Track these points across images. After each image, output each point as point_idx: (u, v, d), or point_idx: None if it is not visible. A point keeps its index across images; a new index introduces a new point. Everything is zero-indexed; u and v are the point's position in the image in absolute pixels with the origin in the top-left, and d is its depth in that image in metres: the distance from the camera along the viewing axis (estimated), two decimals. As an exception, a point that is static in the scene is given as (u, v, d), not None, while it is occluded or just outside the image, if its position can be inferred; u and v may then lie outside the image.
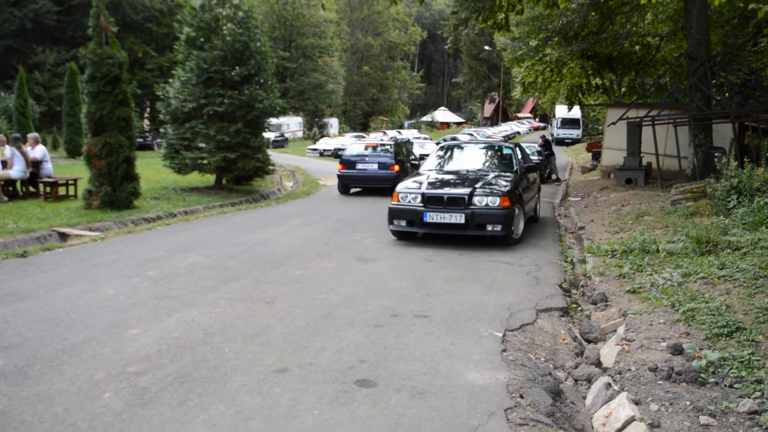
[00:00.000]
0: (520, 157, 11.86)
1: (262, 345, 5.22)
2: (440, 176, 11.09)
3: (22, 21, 48.77)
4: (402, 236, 10.76)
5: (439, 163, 12.11)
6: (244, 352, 5.05)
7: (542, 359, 5.26)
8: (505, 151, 12.16)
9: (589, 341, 5.99)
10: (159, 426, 3.80)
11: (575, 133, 52.04)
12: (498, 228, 9.67)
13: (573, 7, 20.57)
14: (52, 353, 5.00)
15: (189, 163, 17.14)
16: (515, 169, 11.41)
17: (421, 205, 10.03)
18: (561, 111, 50.25)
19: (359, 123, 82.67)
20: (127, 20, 48.72)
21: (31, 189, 15.37)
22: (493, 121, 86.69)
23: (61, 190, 15.23)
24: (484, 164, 11.83)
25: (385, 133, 54.50)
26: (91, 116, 13.20)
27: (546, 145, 25.46)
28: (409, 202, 10.14)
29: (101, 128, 13.19)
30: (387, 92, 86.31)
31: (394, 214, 10.31)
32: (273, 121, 20.32)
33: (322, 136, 56.22)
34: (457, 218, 9.74)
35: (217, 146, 16.98)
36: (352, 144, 21.10)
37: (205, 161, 17.18)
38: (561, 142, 50.61)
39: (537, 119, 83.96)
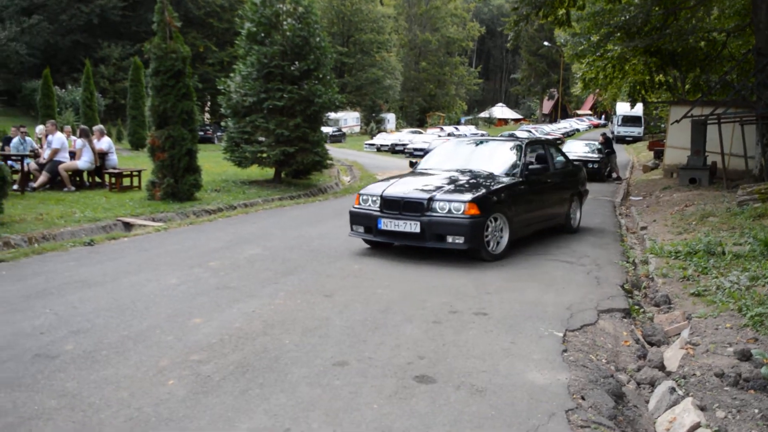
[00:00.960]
0: (525, 157, 9.81)
1: (322, 338, 5.26)
2: (419, 177, 9.61)
3: (89, 16, 50.17)
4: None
5: (435, 161, 10.54)
6: (303, 344, 5.10)
7: (604, 361, 5.17)
8: (510, 150, 10.27)
9: (651, 344, 5.87)
10: (221, 414, 3.86)
11: (636, 130, 51.01)
12: (460, 240, 8.16)
13: (636, 2, 20.14)
14: (118, 339, 5.13)
15: (249, 156, 17.37)
16: (515, 171, 9.54)
17: (378, 209, 8.73)
18: (622, 108, 49.32)
19: (416, 119, 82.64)
20: (190, 15, 49.61)
21: (97, 179, 15.79)
22: (551, 118, 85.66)
23: (126, 181, 15.60)
24: (483, 164, 9.90)
25: (442, 129, 54.39)
26: (155, 109, 13.48)
27: (607, 143, 25.04)
28: (369, 205, 8.88)
29: (165, 121, 13.46)
30: (444, 88, 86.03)
31: (353, 218, 9.08)
32: (331, 115, 20.46)
33: (379, 132, 56.32)
34: (412, 226, 8.32)
35: (277, 140, 17.16)
36: (434, 140, 23.89)
37: (264, 155, 17.38)
38: (622, 139, 49.65)
39: (600, 117, 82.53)
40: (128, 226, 11.17)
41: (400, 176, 9.95)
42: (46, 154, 14.95)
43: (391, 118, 68.97)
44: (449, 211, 8.19)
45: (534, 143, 11.04)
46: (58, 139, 14.80)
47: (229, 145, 17.74)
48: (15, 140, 15.76)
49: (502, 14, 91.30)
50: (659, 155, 27.18)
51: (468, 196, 8.30)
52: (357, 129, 65.34)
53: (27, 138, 16.00)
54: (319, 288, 6.86)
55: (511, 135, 44.16)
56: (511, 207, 8.82)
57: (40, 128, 17.92)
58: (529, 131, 51.75)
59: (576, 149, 25.39)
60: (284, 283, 7.05)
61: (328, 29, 61.82)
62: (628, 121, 51.26)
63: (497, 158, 10.08)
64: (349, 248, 9.20)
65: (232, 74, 17.96)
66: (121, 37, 52.02)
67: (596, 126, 73.29)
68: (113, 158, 15.97)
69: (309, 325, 5.58)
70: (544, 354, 5.03)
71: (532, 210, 9.60)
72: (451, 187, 8.77)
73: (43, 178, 14.53)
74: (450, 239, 8.20)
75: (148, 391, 4.16)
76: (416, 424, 3.78)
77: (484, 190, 8.55)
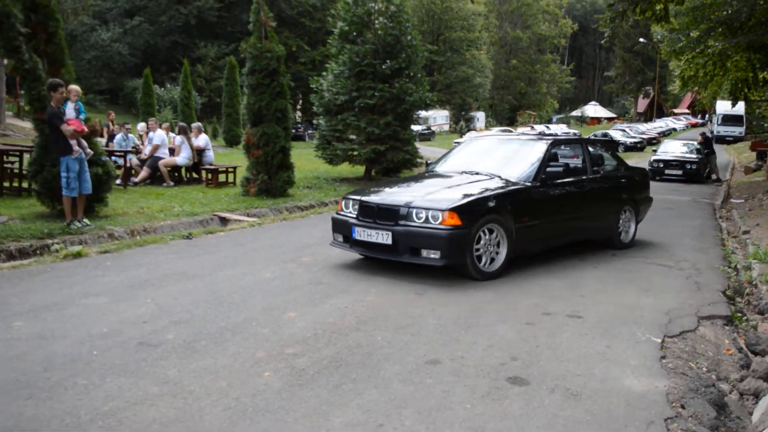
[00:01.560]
0: (545, 159, 8.31)
1: (414, 335, 5.28)
2: (419, 180, 8.75)
3: (186, 18, 51.95)
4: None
5: (449, 161, 9.32)
6: (395, 340, 5.13)
7: (704, 369, 4.98)
8: (530, 150, 8.72)
9: (756, 353, 5.62)
10: (316, 407, 3.92)
11: (737, 130, 48.97)
12: (435, 255, 6.94)
13: (740, -3, 19.29)
14: (216, 330, 5.29)
15: (340, 154, 17.59)
16: (529, 174, 8.11)
17: (354, 216, 7.75)
18: (722, 107, 47.41)
19: (506, 117, 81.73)
20: (282, 15, 50.61)
21: (194, 175, 16.32)
22: (646, 116, 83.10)
23: (221, 177, 16.05)
24: (497, 165, 8.49)
25: (532, 127, 53.58)
26: (250, 107, 13.82)
27: (706, 143, 24.14)
28: (350, 211, 7.89)
29: (259, 119, 13.78)
30: (535, 86, 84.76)
31: (334, 225, 8.14)
32: (421, 114, 20.49)
33: (469, 130, 55.96)
34: (384, 237, 7.23)
35: (368, 138, 17.30)
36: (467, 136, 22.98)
37: (355, 152, 17.55)
38: (721, 140, 47.76)
39: (698, 115, 79.55)
40: (224, 220, 11.50)
41: (406, 179, 9.46)
42: (147, 150, 15.56)
43: (480, 116, 68.46)
44: (426, 220, 7.00)
45: (562, 143, 10.04)
46: (159, 135, 15.38)
47: (321, 143, 18.01)
48: (118, 137, 16.47)
49: (596, 10, 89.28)
50: (762, 156, 25.98)
51: (447, 204, 7.04)
52: (446, 127, 65.15)
53: (129, 135, 16.70)
54: (411, 285, 6.88)
55: (605, 134, 43.13)
56: (516, 217, 7.51)
57: (141, 125, 18.65)
58: (623, 130, 50.34)
59: (673, 149, 24.58)
60: (375, 280, 7.10)
61: (419, 27, 61.85)
62: (729, 120, 49.26)
63: (514, 159, 8.60)
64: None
65: (324, 73, 18.23)
66: (217, 37, 53.60)
67: (694, 125, 70.76)
68: (210, 155, 16.47)
69: (401, 322, 5.61)
70: (641, 360, 4.89)
71: (553, 221, 8.19)
72: (437, 192, 7.58)
73: (144, 173, 15.13)
74: (424, 253, 7.02)
75: (246, 382, 4.27)
76: (510, 426, 3.75)
77: (472, 197, 7.25)
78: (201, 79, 49.24)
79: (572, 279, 7.48)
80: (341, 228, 7.89)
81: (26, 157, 12.28)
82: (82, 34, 48.43)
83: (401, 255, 7.17)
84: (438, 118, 63.56)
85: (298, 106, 54.97)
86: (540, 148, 8.59)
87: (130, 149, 15.69)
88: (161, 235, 9.79)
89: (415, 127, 21.91)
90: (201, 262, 7.90)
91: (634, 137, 45.33)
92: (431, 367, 4.59)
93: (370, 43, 17.49)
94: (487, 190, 7.57)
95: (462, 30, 70.07)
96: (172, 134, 17.12)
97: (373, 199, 7.63)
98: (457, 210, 6.96)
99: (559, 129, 53.20)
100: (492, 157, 8.86)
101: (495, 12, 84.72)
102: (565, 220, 8.49)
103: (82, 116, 9.96)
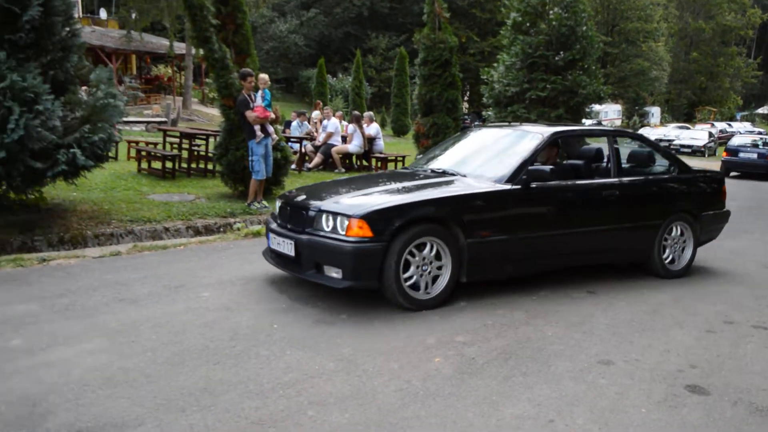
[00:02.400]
0: (532, 156, 6.36)
1: (585, 333, 5.16)
2: (379, 178, 7.24)
3: (359, 9, 53.36)
4: None
5: (432, 156, 7.61)
6: (566, 338, 5.04)
7: None
8: (519, 146, 6.69)
9: None
10: (485, 397, 3.95)
11: None
12: (337, 274, 5.43)
13: None
14: (387, 313, 5.43)
15: (508, 146, 17.40)
16: (506, 175, 6.17)
17: (273, 219, 6.55)
18: None
19: (683, 113, 77.38)
20: (453, 6, 50.58)
21: (365, 163, 16.76)
22: None
23: (390, 165, 16.36)
24: (476, 162, 6.82)
25: (712, 124, 50.50)
26: (421, 97, 14.03)
27: None
28: (277, 212, 6.60)
29: (430, 109, 13.96)
30: (717, 80, 79.52)
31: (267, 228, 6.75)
32: (594, 107, 19.88)
33: (642, 126, 53.63)
34: (289, 247, 5.86)
35: (537, 131, 17.01)
36: (735, 136, 26.07)
37: (525, 145, 17.28)
38: None
39: None
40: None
41: (364, 176, 8.47)
42: (321, 137, 16.17)
43: (655, 111, 65.30)
44: (334, 228, 5.51)
45: (574, 136, 7.96)
46: (333, 123, 15.93)
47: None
48: (294, 124, 17.24)
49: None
50: None
51: (359, 209, 5.47)
52: (618, 122, 62.67)
53: (304, 122, 17.42)
54: (582, 283, 6.71)
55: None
56: (469, 229, 5.74)
57: (315, 113, 19.39)
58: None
59: None
60: (548, 277, 6.93)
61: (593, 18, 59.96)
62: None
63: (497, 155, 6.77)
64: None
65: (495, 64, 18.10)
66: (388, 28, 54.65)
67: None
68: (380, 143, 16.85)
69: (572, 319, 5.50)
70: (839, 378, 4.51)
71: (534, 237, 6.19)
72: (363, 193, 6.11)
73: (317, 159, 15.74)
74: (326, 270, 5.54)
75: (417, 366, 4.37)
76: (689, 435, 3.59)
77: (393, 202, 5.62)
78: (372, 70, 50.40)
79: (760, 287, 6.99)
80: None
81: (212, 141, 13.17)
82: (262, 26, 50.93)
83: (304, 271, 5.72)
84: (610, 112, 61.24)
85: (466, 98, 54.98)
86: (530, 142, 6.59)
87: (304, 136, 16.38)
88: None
89: (586, 122, 21.23)
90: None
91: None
92: (604, 368, 4.48)
93: (543, 33, 17.13)
94: (430, 193, 5.92)
95: (638, 21, 66.95)
96: (344, 122, 17.68)
97: (292, 197, 6.34)
98: (368, 218, 5.35)
99: (742, 127, 49.71)
100: (478, 153, 7.16)
101: (675, 1, 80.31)
102: (556, 237, 6.35)
103: (264, 103, 10.49)
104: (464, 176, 6.41)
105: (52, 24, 7.88)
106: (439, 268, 5.69)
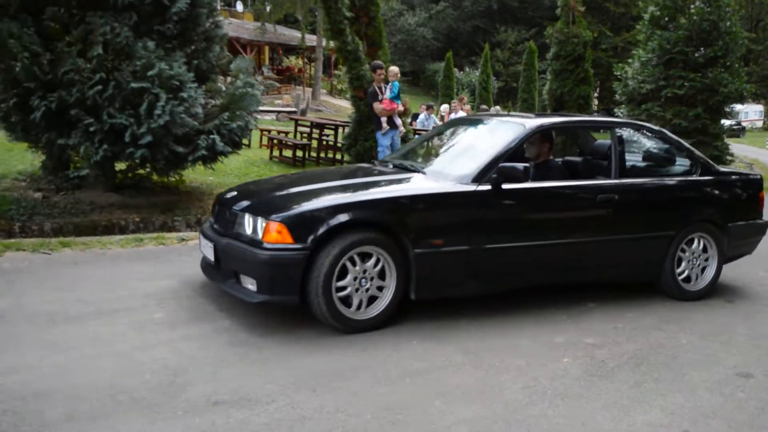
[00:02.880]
0: (506, 152, 5.27)
1: (723, 344, 4.92)
2: (326, 173, 6.58)
3: (489, 2, 52.93)
4: None
5: (405, 149, 7.03)
6: (702, 347, 4.82)
7: None
8: (497, 138, 5.56)
9: None
10: (616, 401, 3.84)
11: None
12: (252, 286, 4.63)
13: None
14: (512, 309, 5.37)
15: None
16: (474, 173, 5.13)
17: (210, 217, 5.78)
18: None
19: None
20: (586, 0, 49.38)
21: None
22: None
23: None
24: (446, 158, 5.97)
25: None
26: (552, 93, 13.79)
27: None
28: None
29: (561, 105, 13.70)
30: None
31: None
32: (737, 107, 18.87)
33: (784, 128, 50.39)
34: (210, 252, 5.14)
35: (673, 131, 16.30)
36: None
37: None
38: None
39: None
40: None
41: (324, 170, 7.81)
42: (446, 130, 16.18)
43: (802, 113, 61.20)
44: (254, 231, 4.72)
45: (558, 127, 6.62)
46: (462, 116, 15.91)
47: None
48: (421, 116, 17.34)
49: None
50: None
51: (280, 212, 4.65)
52: (759, 124, 59.11)
53: (431, 115, 17.48)
54: (720, 293, 6.37)
55: None
56: (418, 237, 4.80)
57: (444, 107, 19.43)
58: None
59: None
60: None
61: (737, 12, 56.80)
62: None
63: (470, 150, 5.79)
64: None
65: (629, 60, 17.49)
66: (517, 22, 53.86)
67: None
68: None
69: (708, 328, 5.25)
70: None
71: (514, 248, 5.21)
72: (299, 190, 5.19)
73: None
74: (243, 281, 4.78)
75: (544, 364, 4.31)
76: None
77: (320, 204, 4.75)
78: (499, 64, 49.83)
79: None
80: None
81: (341, 131, 13.45)
82: (391, 19, 51.38)
83: (224, 280, 4.97)
84: (750, 113, 57.90)
85: (596, 94, 53.40)
86: (507, 135, 5.50)
87: (431, 128, 16.45)
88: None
89: (725, 122, 20.17)
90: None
91: None
92: (743, 381, 4.26)
93: (683, 28, 16.40)
94: (370, 193, 5.04)
95: (788, 16, 62.93)
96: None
97: (224, 193, 5.63)
98: (288, 221, 4.53)
99: None
100: (452, 147, 6.26)
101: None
102: (534, 249, 5.32)
103: (391, 96, 10.60)
104: (425, 173, 5.44)
105: (197, 16, 8.28)
106: (382, 280, 4.77)
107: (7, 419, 3.27)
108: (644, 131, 6.58)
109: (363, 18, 11.41)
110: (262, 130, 15.62)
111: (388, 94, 10.45)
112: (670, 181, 6.21)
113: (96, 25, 7.26)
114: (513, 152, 5.36)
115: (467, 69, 46.59)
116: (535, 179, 5.54)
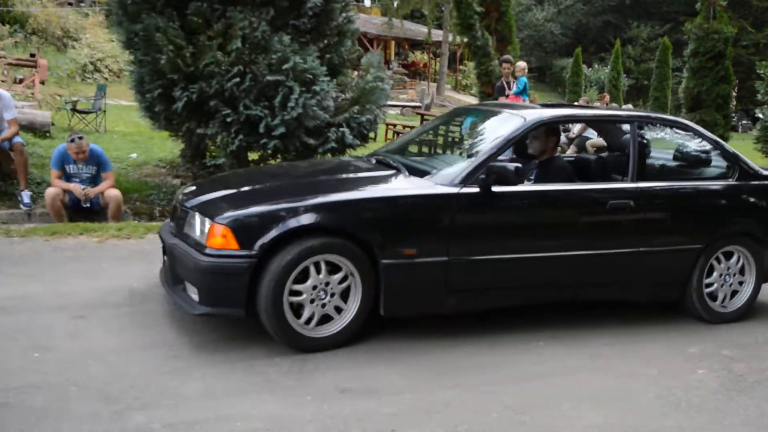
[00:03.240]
0: (499, 150, 4.58)
1: None
2: (297, 169, 5.70)
3: (623, -3, 51.18)
4: None
5: (397, 144, 6.30)
6: None
7: None
8: (495, 133, 4.79)
9: None
10: (756, 418, 3.64)
11: None
12: (196, 296, 4.08)
13: None
14: (644, 316, 5.17)
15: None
16: (455, 175, 4.44)
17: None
18: None
19: None
20: (728, -6, 46.91)
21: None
22: None
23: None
24: (439, 156, 5.56)
25: None
26: (688, 92, 13.21)
27: None
28: None
29: (697, 104, 13.10)
30: None
31: None
32: None
33: None
34: (162, 252, 4.75)
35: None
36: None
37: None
38: None
39: None
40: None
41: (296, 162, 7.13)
42: (575, 129, 15.74)
43: None
44: (201, 233, 4.14)
45: (566, 119, 6.04)
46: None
47: (763, 135, 16.38)
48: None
49: None
50: None
51: (227, 213, 4.07)
52: None
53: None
54: None
55: None
56: (389, 246, 4.15)
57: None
58: None
59: None
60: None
61: None
62: None
63: (462, 146, 5.33)
64: None
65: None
66: (651, 17, 51.77)
67: None
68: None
69: None
70: None
71: (504, 261, 4.48)
72: (260, 187, 4.70)
73: (570, 150, 15.38)
74: (189, 289, 4.21)
75: (677, 375, 4.13)
76: None
77: (276, 204, 4.11)
78: (630, 61, 48.09)
79: None
80: None
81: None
82: (518, 14, 50.50)
83: (173, 286, 4.45)
84: None
85: (734, 93, 50.72)
86: (503, 129, 4.80)
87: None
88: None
89: None
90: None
91: None
92: None
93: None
94: (333, 194, 4.32)
95: None
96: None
97: (190, 188, 5.00)
98: (234, 224, 3.97)
99: None
100: (446, 140, 5.75)
101: None
102: (528, 262, 4.58)
103: (515, 91, 10.44)
104: (405, 172, 4.68)
105: (331, 10, 8.45)
106: (345, 293, 4.16)
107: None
108: (673, 127, 5.61)
109: (493, 13, 11.31)
110: (387, 124, 15.76)
111: (514, 89, 10.32)
112: (700, 185, 5.32)
113: (236, 19, 7.53)
114: (511, 148, 4.81)
115: (596, 66, 45.25)
116: (538, 179, 5.04)
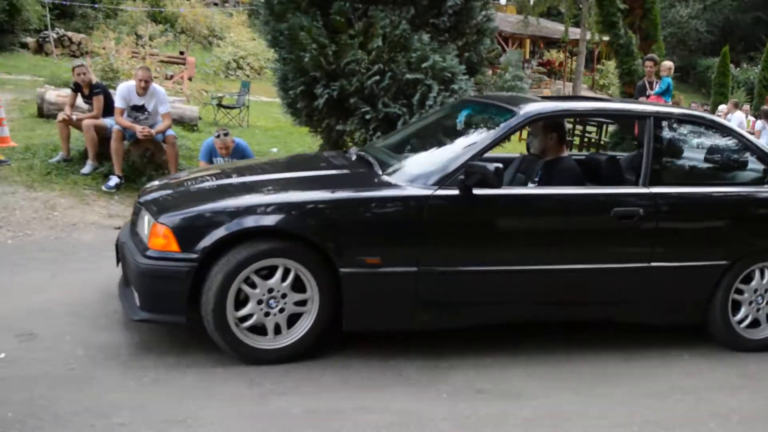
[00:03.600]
0: (481, 149, 4.05)
1: None
2: (270, 164, 5.41)
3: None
4: None
5: (390, 138, 5.58)
6: None
7: None
8: (486, 129, 4.35)
9: None
10: None
11: None
12: (136, 300, 3.81)
13: None
14: None
15: None
16: (431, 173, 3.98)
17: None
18: None
19: None
20: None
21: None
22: None
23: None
24: (423, 154, 4.63)
25: None
26: None
27: None
28: None
29: None
30: None
31: None
32: None
33: None
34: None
35: None
36: None
37: None
38: None
39: None
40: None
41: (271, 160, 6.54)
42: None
43: None
44: (146, 232, 3.90)
45: (566, 114, 5.28)
46: (737, 117, 14.64)
47: None
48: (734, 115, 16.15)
49: None
50: None
51: (168, 212, 3.81)
52: None
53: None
54: None
55: None
56: (351, 253, 3.77)
57: (722, 107, 18.04)
58: None
59: None
60: None
61: None
62: None
63: (450, 142, 4.58)
64: None
65: None
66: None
67: None
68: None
69: None
70: None
71: (485, 273, 4.01)
72: (217, 184, 4.32)
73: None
74: (134, 292, 3.89)
75: None
76: None
77: (222, 204, 3.81)
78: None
79: None
80: None
81: (604, 128, 13.01)
82: (661, 11, 48.53)
83: (125, 287, 4.17)
84: None
85: None
86: (496, 123, 4.33)
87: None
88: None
89: None
90: None
91: None
92: None
93: None
94: (290, 194, 4.01)
95: None
96: (750, 118, 16.16)
97: (153, 183, 4.79)
98: (176, 225, 3.70)
99: None
100: (433, 135, 5.07)
101: None
102: (515, 275, 4.08)
103: (657, 91, 10.00)
104: (379, 171, 4.26)
105: (471, 9, 8.41)
106: (302, 303, 3.81)
107: None
108: (699, 125, 4.85)
109: (637, 10, 10.90)
110: (521, 124, 15.56)
111: (656, 89, 9.91)
112: (727, 191, 4.63)
113: (377, 18, 7.64)
114: (492, 147, 4.17)
115: (744, 65, 42.71)
116: (542, 181, 4.53)
